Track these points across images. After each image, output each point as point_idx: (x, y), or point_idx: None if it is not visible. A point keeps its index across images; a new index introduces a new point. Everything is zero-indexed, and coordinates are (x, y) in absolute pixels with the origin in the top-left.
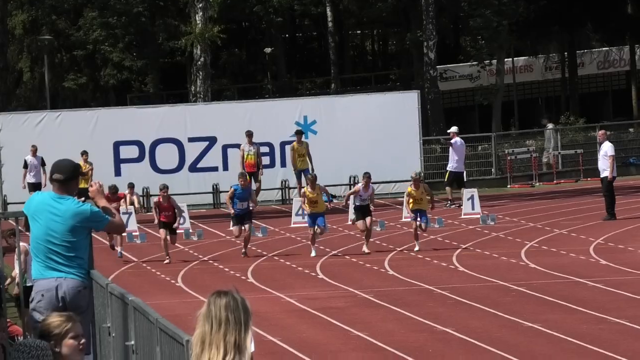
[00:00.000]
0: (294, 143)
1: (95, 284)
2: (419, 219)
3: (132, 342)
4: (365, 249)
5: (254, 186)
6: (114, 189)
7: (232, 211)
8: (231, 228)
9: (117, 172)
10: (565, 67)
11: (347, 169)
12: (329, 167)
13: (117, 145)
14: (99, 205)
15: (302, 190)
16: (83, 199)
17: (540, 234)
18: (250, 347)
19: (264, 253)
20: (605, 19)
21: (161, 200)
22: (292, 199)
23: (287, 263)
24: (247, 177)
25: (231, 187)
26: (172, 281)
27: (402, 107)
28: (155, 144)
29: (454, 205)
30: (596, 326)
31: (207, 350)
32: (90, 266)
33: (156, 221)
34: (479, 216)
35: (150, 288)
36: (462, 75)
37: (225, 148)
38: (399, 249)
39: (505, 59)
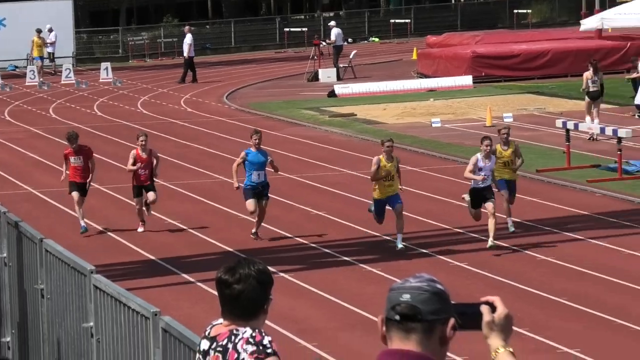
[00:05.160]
0: None
1: None
2: (504, 190)
3: None
4: (491, 241)
5: None
6: (74, 137)
7: (236, 185)
8: (246, 202)
9: None
10: None
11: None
12: None
13: None
14: None
15: (376, 158)
16: None
17: (150, 92)
18: None
19: None
20: None
21: (139, 152)
22: None
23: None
24: (261, 135)
25: (243, 151)
26: None
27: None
28: None
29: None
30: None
31: None
32: None
33: (130, 166)
34: (111, 80)
35: None
36: None
37: None
38: (61, 100)
39: None
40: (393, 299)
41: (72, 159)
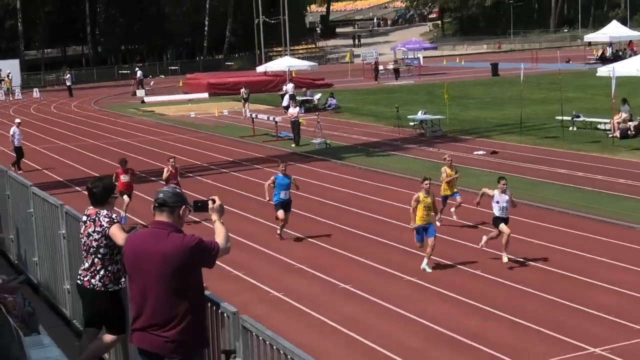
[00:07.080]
0: None
1: None
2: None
3: None
4: (505, 256)
5: None
6: (124, 161)
7: (267, 199)
8: (277, 212)
9: None
10: None
11: None
12: None
13: None
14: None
15: (416, 195)
16: None
17: (57, 102)
18: None
19: None
20: None
21: (170, 168)
22: None
23: None
24: (286, 164)
25: (273, 176)
26: None
27: (11, 63)
28: None
29: None
30: None
31: None
32: None
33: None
34: (39, 97)
35: None
36: None
37: None
38: None
39: None
40: (155, 196)
41: (122, 176)
